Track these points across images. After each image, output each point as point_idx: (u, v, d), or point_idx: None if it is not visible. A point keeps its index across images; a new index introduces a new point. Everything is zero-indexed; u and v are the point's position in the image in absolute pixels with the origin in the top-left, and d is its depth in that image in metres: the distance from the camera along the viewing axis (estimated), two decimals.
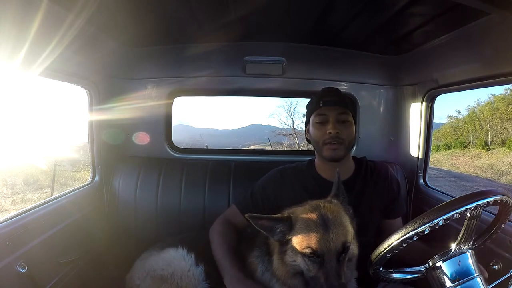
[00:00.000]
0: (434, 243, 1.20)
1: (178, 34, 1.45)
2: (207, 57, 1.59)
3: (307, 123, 1.21)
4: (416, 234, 0.66)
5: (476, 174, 14.59)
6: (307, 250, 0.84)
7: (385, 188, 1.17)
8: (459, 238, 0.68)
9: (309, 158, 1.27)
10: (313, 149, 1.23)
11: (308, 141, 1.24)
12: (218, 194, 1.53)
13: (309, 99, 1.21)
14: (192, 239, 1.23)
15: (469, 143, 19.45)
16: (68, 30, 1.01)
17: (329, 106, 1.11)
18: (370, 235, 1.11)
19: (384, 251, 0.73)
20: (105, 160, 1.57)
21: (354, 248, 0.91)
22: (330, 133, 1.09)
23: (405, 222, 0.70)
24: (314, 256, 0.83)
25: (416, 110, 1.56)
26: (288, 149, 15.07)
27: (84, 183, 1.55)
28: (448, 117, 21.48)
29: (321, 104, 1.12)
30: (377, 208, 1.15)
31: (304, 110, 1.24)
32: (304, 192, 1.12)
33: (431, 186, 1.58)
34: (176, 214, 1.52)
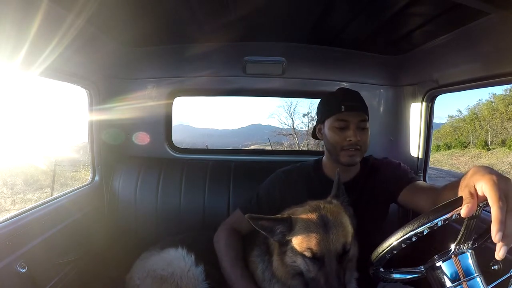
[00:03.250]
0: (434, 243, 1.20)
1: (178, 34, 1.45)
2: (207, 57, 1.59)
3: (320, 122, 1.17)
4: (416, 234, 0.66)
5: None
6: (307, 252, 0.83)
7: (388, 174, 1.14)
8: (458, 238, 0.68)
9: (311, 158, 1.27)
10: (313, 149, 1.23)
11: (314, 137, 1.22)
12: (218, 194, 1.53)
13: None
14: (192, 239, 1.23)
15: (469, 143, 19.44)
16: (68, 30, 1.01)
17: (351, 112, 1.07)
18: (372, 236, 1.11)
19: (384, 252, 0.73)
20: (105, 160, 1.57)
21: (353, 249, 0.91)
22: (350, 140, 1.06)
23: (405, 223, 0.71)
24: (314, 257, 0.83)
25: (416, 110, 1.56)
26: (288, 149, 15.08)
27: (84, 183, 1.55)
28: (449, 116, 21.49)
29: (342, 109, 1.07)
30: (380, 206, 1.15)
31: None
32: (310, 193, 1.09)
33: None
34: (176, 214, 1.52)
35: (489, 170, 0.60)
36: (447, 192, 0.83)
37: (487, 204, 0.61)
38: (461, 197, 0.61)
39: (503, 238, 0.50)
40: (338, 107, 1.08)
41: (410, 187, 1.06)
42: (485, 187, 0.56)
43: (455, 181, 0.77)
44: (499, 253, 0.51)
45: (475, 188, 0.59)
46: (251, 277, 1.01)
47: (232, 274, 1.02)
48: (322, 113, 1.16)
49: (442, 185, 0.95)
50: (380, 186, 1.14)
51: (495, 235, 0.50)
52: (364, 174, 1.18)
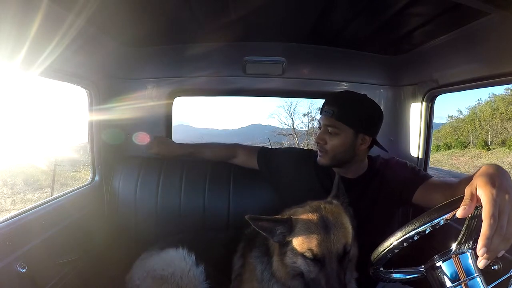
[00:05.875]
0: (434, 243, 1.20)
1: (178, 34, 1.45)
2: (207, 57, 1.59)
3: None
4: (417, 233, 0.66)
5: None
6: (308, 253, 0.83)
7: (397, 177, 1.14)
8: (459, 238, 0.68)
9: None
10: (313, 149, 1.26)
11: None
12: (218, 194, 1.53)
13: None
14: (192, 239, 1.23)
15: (469, 143, 19.44)
16: (68, 30, 1.01)
17: (322, 116, 1.16)
18: (373, 235, 1.11)
19: (385, 251, 0.73)
20: (105, 160, 1.57)
21: (353, 249, 0.91)
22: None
23: (405, 223, 0.70)
24: (315, 258, 0.83)
25: (416, 110, 1.56)
26: None
27: (84, 183, 1.55)
28: (449, 116, 21.47)
29: (320, 112, 1.20)
30: (385, 207, 1.16)
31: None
32: (319, 181, 1.21)
33: None
34: (176, 214, 1.51)
35: (493, 180, 0.60)
36: (463, 187, 0.83)
37: None
38: (462, 197, 0.61)
39: (486, 252, 0.53)
40: (321, 110, 1.20)
41: (424, 186, 1.06)
42: (483, 198, 0.57)
43: (470, 175, 0.78)
44: (479, 263, 0.55)
45: (476, 190, 0.60)
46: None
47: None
48: None
49: (456, 179, 0.95)
50: (386, 188, 1.14)
51: (479, 249, 0.54)
52: (370, 173, 1.19)
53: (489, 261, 0.54)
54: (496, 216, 0.54)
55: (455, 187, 0.91)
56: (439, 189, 1.00)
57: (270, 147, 1.41)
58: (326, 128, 1.14)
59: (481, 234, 0.54)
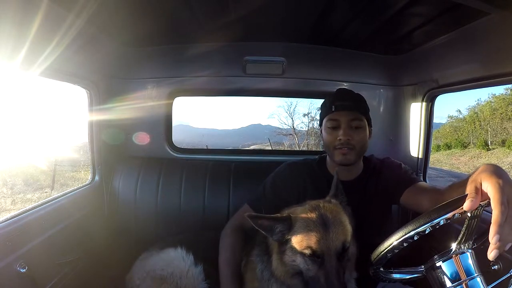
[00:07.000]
0: (434, 243, 1.20)
1: (178, 34, 1.45)
2: (207, 57, 1.59)
3: (320, 124, 1.22)
4: (417, 233, 0.66)
5: None
6: (307, 250, 0.83)
7: (389, 176, 1.15)
8: (459, 238, 0.68)
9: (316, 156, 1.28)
10: (313, 149, 1.24)
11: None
12: (218, 194, 1.53)
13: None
14: (192, 239, 1.24)
15: (469, 143, 19.45)
16: (68, 30, 1.01)
17: (341, 111, 1.10)
18: (373, 236, 1.11)
19: (385, 251, 0.73)
20: (105, 160, 1.57)
21: (352, 248, 0.91)
22: (340, 139, 1.09)
23: (405, 223, 0.70)
24: (314, 256, 0.83)
25: (416, 110, 1.56)
26: (288, 149, 15.06)
27: (84, 183, 1.55)
28: (449, 116, 21.49)
29: (333, 109, 1.12)
30: (382, 207, 1.16)
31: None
32: (314, 187, 1.15)
33: None
34: (176, 214, 1.52)
35: (497, 173, 0.61)
36: (452, 192, 0.84)
37: (488, 204, 0.61)
38: (463, 196, 0.61)
39: (499, 240, 0.53)
40: (330, 107, 1.13)
41: (412, 188, 1.07)
42: (490, 189, 0.57)
43: (461, 180, 0.79)
44: (490, 254, 0.54)
45: (481, 184, 0.60)
46: (239, 279, 1.04)
47: (224, 273, 1.05)
48: (320, 114, 1.22)
49: (445, 186, 0.95)
50: (382, 187, 1.15)
51: (492, 236, 0.53)
52: (366, 174, 1.19)
53: (499, 252, 0.53)
54: (506, 203, 0.54)
55: (442, 192, 0.92)
56: (426, 193, 1.01)
57: (261, 192, 1.22)
58: (349, 123, 1.09)
59: (492, 222, 0.53)
